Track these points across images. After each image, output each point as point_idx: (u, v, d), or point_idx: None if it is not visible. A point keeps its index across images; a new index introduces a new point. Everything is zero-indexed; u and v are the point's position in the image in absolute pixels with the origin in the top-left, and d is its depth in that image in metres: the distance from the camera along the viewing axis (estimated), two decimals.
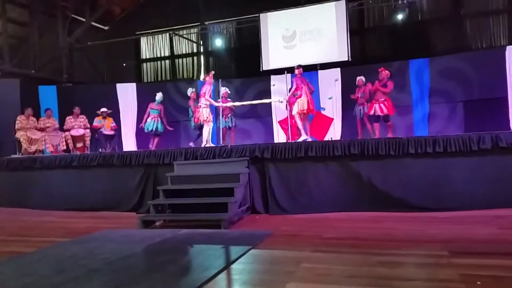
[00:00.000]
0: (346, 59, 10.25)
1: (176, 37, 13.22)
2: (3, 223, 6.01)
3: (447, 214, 4.84)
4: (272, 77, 10.39)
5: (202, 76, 12.48)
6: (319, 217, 5.24)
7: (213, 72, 7.88)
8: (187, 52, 13.60)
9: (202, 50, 13.39)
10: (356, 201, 5.38)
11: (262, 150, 5.69)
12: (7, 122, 8.54)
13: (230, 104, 8.62)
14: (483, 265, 2.99)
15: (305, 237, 4.20)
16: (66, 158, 7.02)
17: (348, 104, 9.27)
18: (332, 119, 8.71)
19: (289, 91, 7.69)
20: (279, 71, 9.80)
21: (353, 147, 5.37)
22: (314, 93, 8.03)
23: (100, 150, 8.52)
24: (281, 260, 3.46)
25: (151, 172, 6.38)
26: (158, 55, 13.88)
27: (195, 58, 13.50)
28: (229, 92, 8.94)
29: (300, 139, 6.98)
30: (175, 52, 13.67)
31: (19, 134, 8.36)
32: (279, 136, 9.92)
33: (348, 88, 9.25)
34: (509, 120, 8.48)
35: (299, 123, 7.33)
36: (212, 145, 7.33)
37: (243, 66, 12.17)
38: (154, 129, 8.74)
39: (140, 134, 10.85)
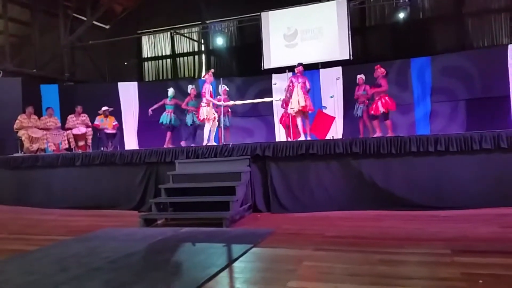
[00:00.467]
0: (348, 57, 10.25)
1: (177, 36, 13.24)
2: (5, 221, 6.03)
3: (448, 213, 4.83)
4: (274, 75, 10.38)
5: (203, 75, 12.48)
6: (320, 215, 5.24)
7: (212, 70, 7.88)
8: (188, 51, 13.61)
9: (203, 49, 13.40)
10: (358, 200, 5.37)
11: (263, 148, 5.69)
12: (9, 121, 8.55)
13: (231, 103, 8.62)
14: (485, 263, 2.98)
15: (307, 235, 4.20)
16: (68, 156, 7.04)
17: (349, 102, 9.26)
18: (334, 117, 8.68)
19: (285, 90, 7.71)
20: (281, 70, 9.80)
21: (354, 146, 5.36)
22: (315, 92, 8.05)
23: (102, 148, 8.55)
24: (282, 258, 3.47)
25: (153, 171, 6.38)
26: (160, 54, 13.90)
27: (196, 57, 13.52)
28: (227, 89, 8.94)
29: (300, 139, 6.98)
30: (177, 51, 13.68)
31: (21, 133, 8.38)
32: (281, 135, 9.92)
33: (349, 86, 9.25)
34: (510, 118, 8.46)
35: (299, 123, 7.33)
36: (214, 143, 7.34)
37: (245, 64, 12.17)
38: (168, 122, 8.78)
39: (142, 133, 10.89)
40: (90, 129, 9.02)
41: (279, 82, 9.84)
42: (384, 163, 5.34)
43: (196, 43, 13.49)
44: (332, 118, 8.40)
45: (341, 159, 5.47)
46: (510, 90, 8.68)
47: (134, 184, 6.45)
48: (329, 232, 4.25)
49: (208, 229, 4.64)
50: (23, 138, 8.34)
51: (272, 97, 9.68)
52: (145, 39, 13.96)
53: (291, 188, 5.62)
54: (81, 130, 8.86)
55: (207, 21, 12.11)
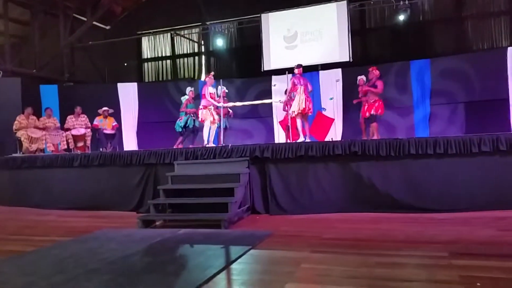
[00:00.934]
0: (348, 59, 10.27)
1: (177, 37, 13.25)
2: (3, 222, 6.02)
3: (447, 216, 4.83)
4: (273, 77, 10.39)
5: (203, 76, 12.49)
6: (319, 217, 5.23)
7: (213, 73, 7.89)
8: (188, 52, 13.61)
9: (203, 50, 13.40)
10: (356, 202, 5.38)
11: (262, 150, 5.69)
12: (8, 121, 8.55)
13: (231, 104, 8.61)
14: (483, 266, 2.99)
15: (305, 237, 4.19)
16: (67, 157, 7.04)
17: (349, 104, 9.26)
18: (333, 119, 8.70)
19: (285, 92, 7.68)
20: (280, 72, 9.80)
21: (353, 148, 5.37)
22: (315, 94, 8.05)
23: (101, 149, 8.54)
24: (280, 260, 3.47)
25: (152, 172, 6.38)
26: (160, 55, 13.89)
27: (196, 58, 13.51)
28: (226, 91, 8.94)
29: (299, 141, 6.97)
30: (177, 52, 13.67)
31: (20, 133, 8.38)
32: (280, 136, 9.93)
33: (349, 88, 9.26)
34: (510, 121, 8.47)
35: (299, 124, 7.33)
36: (213, 145, 7.33)
37: (244, 66, 12.17)
38: (190, 125, 8.61)
39: (141, 134, 10.89)
40: (89, 130, 9.02)
41: (278, 84, 9.85)
42: (383, 166, 5.34)
43: (196, 44, 13.49)
44: (331, 120, 8.41)
45: (340, 161, 5.48)
46: (509, 93, 8.70)
47: (133, 185, 6.45)
48: (327, 234, 4.25)
49: (206, 230, 4.65)
50: (22, 138, 8.34)
51: (271, 98, 9.68)
52: (145, 40, 13.95)
53: (289, 190, 5.62)
54: (80, 131, 8.87)
55: (207, 22, 12.12)
